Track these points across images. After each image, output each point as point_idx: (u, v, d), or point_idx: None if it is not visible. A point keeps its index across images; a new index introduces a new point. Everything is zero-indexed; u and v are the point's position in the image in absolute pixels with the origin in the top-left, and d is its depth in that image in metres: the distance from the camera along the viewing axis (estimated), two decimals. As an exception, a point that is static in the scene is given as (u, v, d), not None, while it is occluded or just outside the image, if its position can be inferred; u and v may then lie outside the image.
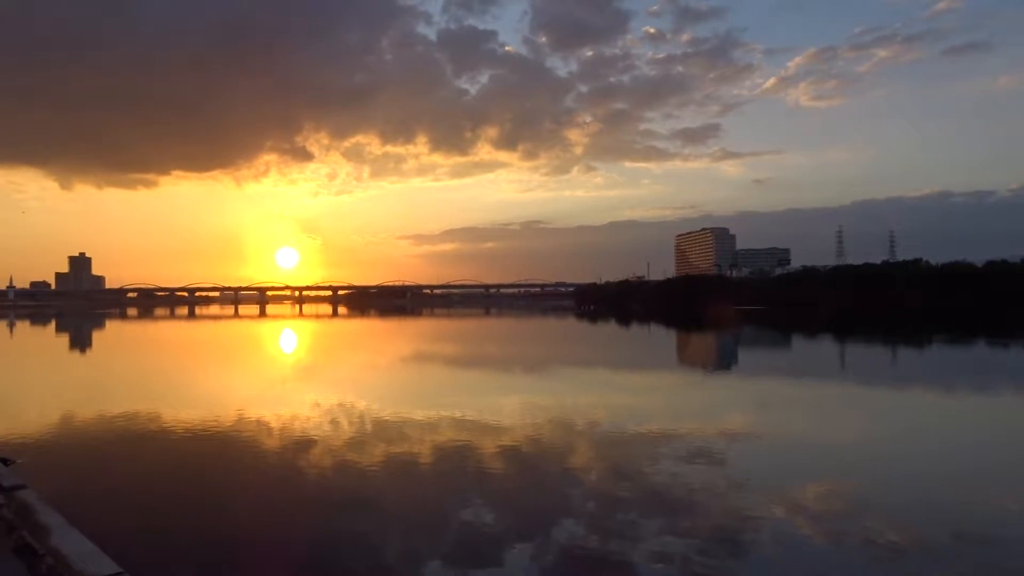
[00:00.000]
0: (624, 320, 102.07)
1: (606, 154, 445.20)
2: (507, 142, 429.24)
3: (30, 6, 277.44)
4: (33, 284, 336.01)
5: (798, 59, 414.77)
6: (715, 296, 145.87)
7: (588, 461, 16.65)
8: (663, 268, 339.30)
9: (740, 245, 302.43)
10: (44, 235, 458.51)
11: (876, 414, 23.68)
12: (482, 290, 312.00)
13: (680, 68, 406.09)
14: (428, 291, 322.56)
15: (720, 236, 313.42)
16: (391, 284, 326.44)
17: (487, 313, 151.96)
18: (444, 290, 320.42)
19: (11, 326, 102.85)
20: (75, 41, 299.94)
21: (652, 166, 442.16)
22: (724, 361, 44.00)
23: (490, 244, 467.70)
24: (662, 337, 68.75)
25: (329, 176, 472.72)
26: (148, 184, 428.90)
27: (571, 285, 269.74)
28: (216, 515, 12.63)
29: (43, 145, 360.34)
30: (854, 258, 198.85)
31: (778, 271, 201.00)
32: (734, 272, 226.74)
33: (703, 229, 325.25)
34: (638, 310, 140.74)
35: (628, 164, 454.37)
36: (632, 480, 14.87)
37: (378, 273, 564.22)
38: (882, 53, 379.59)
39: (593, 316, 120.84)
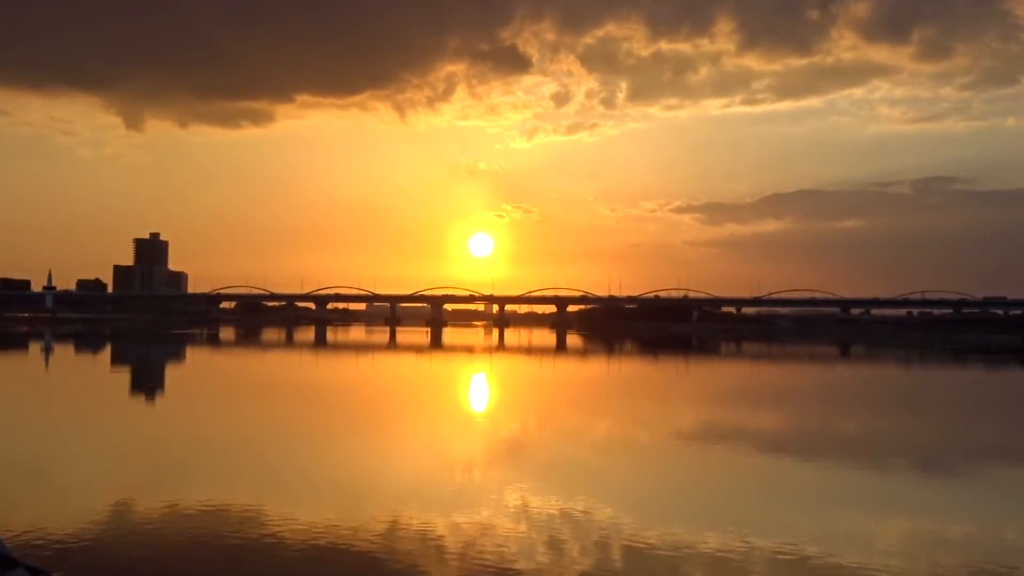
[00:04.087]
0: None
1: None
2: (890, 27, 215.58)
3: None
4: (82, 284, 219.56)
5: None
6: None
7: None
8: None
9: None
10: (99, 206, 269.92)
11: None
12: (835, 308, 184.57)
13: None
14: (732, 309, 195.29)
15: None
16: (662, 295, 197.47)
17: (845, 354, 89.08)
18: (764, 308, 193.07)
19: (46, 353, 67.28)
20: None
21: None
22: None
23: (850, 223, 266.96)
24: None
25: (555, 98, 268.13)
26: (258, 119, 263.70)
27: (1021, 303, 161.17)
28: None
29: (102, 60, 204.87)
30: None
31: None
32: None
33: None
34: None
35: None
36: None
37: (639, 273, 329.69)
38: None
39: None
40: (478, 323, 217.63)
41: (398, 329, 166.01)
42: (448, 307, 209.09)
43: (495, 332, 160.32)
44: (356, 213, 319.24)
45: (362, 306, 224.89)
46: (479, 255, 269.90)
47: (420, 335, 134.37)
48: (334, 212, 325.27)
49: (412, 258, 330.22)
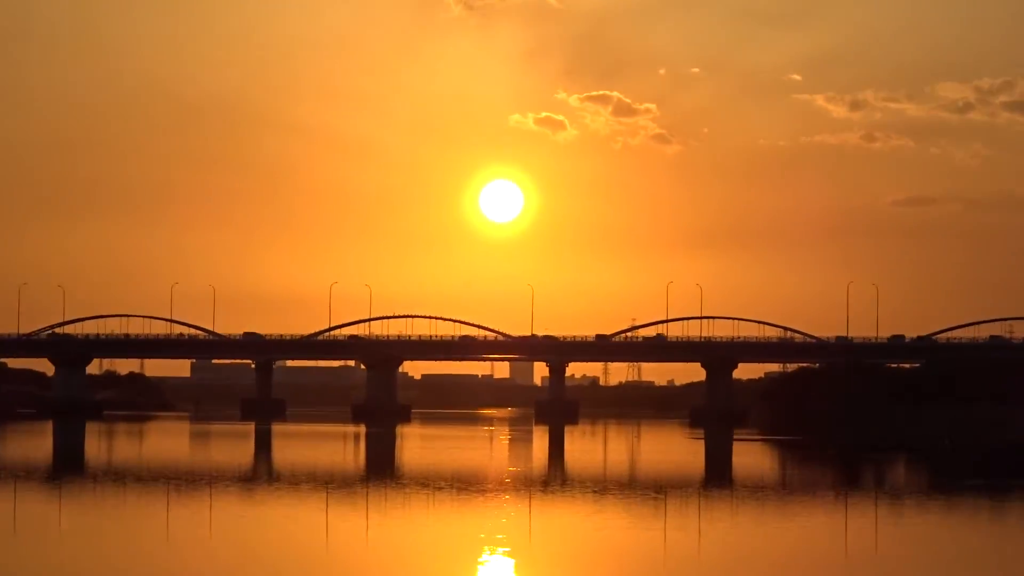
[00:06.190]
0: None
1: None
2: None
3: None
4: None
5: None
6: None
7: None
8: None
9: None
10: None
11: None
12: None
13: None
14: None
15: None
16: (989, 333, 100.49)
17: None
18: None
19: None
20: None
21: None
22: None
23: None
24: None
25: None
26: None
27: None
28: None
29: None
30: None
31: None
32: None
33: None
34: None
35: None
36: None
37: (924, 277, 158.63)
38: None
39: None
40: (493, 411, 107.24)
41: (278, 428, 79.73)
42: (413, 369, 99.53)
43: (539, 435, 75.50)
44: (182, 122, 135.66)
45: (183, 368, 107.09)
46: (498, 223, 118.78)
47: (336, 443, 66.14)
48: (130, 115, 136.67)
49: (323, 241, 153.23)
